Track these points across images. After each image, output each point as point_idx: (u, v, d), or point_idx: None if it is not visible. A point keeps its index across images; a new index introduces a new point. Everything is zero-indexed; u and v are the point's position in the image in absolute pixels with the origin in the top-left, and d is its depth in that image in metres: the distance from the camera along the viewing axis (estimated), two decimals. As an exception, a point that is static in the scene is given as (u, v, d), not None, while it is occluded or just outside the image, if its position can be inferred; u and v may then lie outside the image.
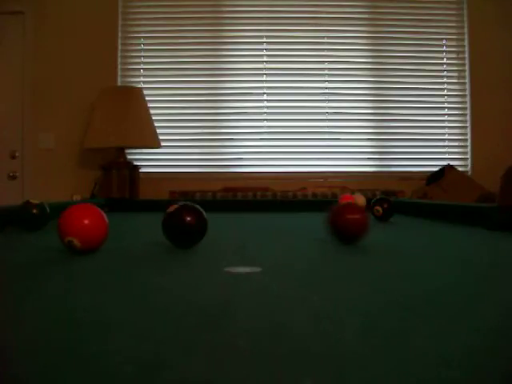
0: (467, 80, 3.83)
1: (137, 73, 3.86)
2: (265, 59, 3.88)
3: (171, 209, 0.80)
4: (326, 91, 3.87)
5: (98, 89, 3.46)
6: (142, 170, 3.60)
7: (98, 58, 3.74)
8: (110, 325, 0.40)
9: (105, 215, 0.81)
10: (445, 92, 3.88)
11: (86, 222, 0.76)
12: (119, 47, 3.81)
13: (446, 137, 3.88)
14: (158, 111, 3.68)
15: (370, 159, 3.88)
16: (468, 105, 3.84)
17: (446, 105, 3.88)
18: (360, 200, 1.90)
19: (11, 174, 3.76)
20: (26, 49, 3.74)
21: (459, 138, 3.86)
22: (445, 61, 3.89)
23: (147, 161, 3.77)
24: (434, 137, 3.87)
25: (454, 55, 3.88)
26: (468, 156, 3.85)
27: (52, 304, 0.47)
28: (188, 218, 0.79)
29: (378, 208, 1.52)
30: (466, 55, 3.84)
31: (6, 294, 0.53)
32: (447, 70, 3.89)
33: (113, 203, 2.27)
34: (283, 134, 3.84)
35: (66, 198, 3.27)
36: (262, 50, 3.89)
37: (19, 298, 0.50)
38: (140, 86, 3.70)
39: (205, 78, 3.86)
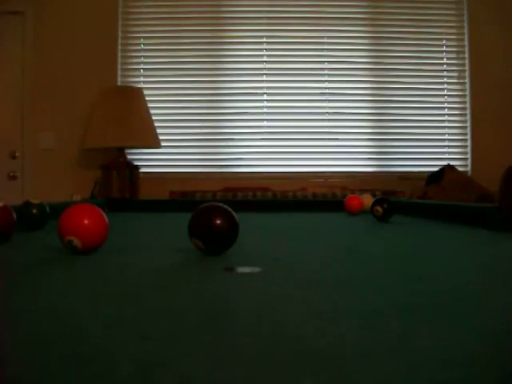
0: (467, 80, 3.83)
1: (137, 73, 3.86)
2: (265, 59, 3.88)
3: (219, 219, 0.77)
4: (326, 91, 3.87)
5: (98, 89, 3.46)
6: (142, 170, 3.60)
7: (98, 58, 3.74)
8: (111, 325, 0.40)
9: (105, 215, 0.81)
10: (445, 92, 3.88)
11: (86, 221, 0.76)
12: (119, 47, 3.81)
13: (446, 137, 3.88)
14: (158, 111, 3.68)
15: (370, 159, 3.88)
16: (468, 105, 3.84)
17: (445, 105, 3.88)
18: (367, 200, 1.92)
19: (11, 174, 3.76)
20: (25, 49, 3.75)
21: (459, 138, 3.87)
22: (445, 61, 3.89)
23: (147, 161, 3.77)
24: (434, 137, 3.87)
25: (454, 55, 3.88)
26: (468, 156, 3.85)
27: (52, 304, 0.47)
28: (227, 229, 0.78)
29: (378, 208, 1.52)
30: (466, 55, 3.84)
31: (6, 294, 0.53)
32: (447, 70, 3.89)
33: (113, 203, 2.27)
34: (283, 134, 3.84)
35: (66, 198, 3.27)
36: (262, 50, 3.89)
37: (19, 297, 0.50)
38: (140, 85, 3.70)
39: (205, 77, 3.86)
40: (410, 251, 0.90)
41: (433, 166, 3.65)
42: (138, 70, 3.86)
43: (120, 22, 3.81)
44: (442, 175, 3.42)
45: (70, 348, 0.33)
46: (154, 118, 3.49)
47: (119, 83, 3.79)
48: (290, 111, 3.85)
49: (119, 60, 3.81)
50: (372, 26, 3.88)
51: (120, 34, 3.82)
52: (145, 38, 3.87)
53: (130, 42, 3.86)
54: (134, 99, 3.37)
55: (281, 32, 3.87)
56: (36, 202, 1.21)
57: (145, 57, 3.88)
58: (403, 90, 3.86)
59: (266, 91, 3.87)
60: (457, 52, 3.88)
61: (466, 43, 3.84)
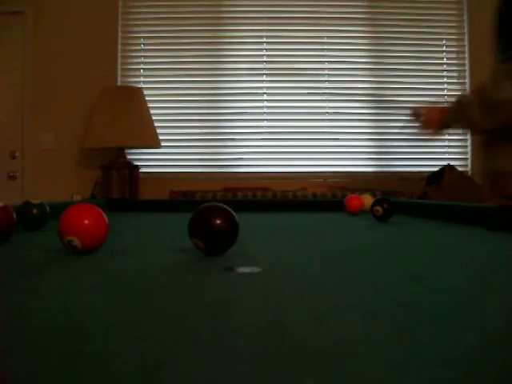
0: (467, 80, 3.83)
1: (137, 73, 3.86)
2: (265, 59, 3.88)
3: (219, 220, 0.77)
4: (326, 91, 3.87)
5: (98, 89, 3.46)
6: (142, 170, 3.60)
7: (98, 58, 3.74)
8: (111, 325, 0.40)
9: (105, 215, 0.81)
10: (445, 92, 3.88)
11: (86, 221, 0.76)
12: (119, 47, 3.81)
13: (446, 137, 3.87)
14: (158, 111, 3.68)
15: (370, 159, 3.88)
16: (468, 105, 3.83)
17: (446, 105, 3.87)
18: (367, 200, 1.93)
19: (11, 174, 3.76)
20: (25, 49, 3.74)
21: (459, 137, 3.86)
22: (445, 61, 3.89)
23: (147, 161, 3.77)
24: (434, 137, 3.86)
25: (453, 55, 3.88)
26: (468, 156, 3.85)
27: (52, 304, 0.47)
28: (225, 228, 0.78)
29: (378, 208, 1.52)
30: (466, 55, 3.84)
31: (6, 294, 0.53)
32: (447, 70, 3.89)
33: (113, 203, 2.27)
34: (283, 134, 3.84)
35: (66, 198, 3.27)
36: (262, 50, 3.89)
37: (19, 297, 0.50)
38: (140, 85, 3.70)
39: (205, 77, 3.86)
40: (410, 251, 0.90)
41: (433, 166, 3.65)
42: (138, 69, 3.86)
43: (120, 22, 3.81)
44: (442, 175, 3.42)
45: (70, 348, 0.33)
46: (154, 117, 3.49)
47: (119, 83, 3.79)
48: (290, 111, 3.84)
49: (119, 60, 3.81)
50: (372, 26, 3.88)
51: (120, 33, 3.82)
52: (145, 38, 3.87)
53: (130, 41, 3.86)
54: (134, 99, 3.37)
55: (281, 32, 3.87)
56: (36, 202, 1.21)
57: (145, 57, 3.88)
58: (403, 89, 3.85)
59: (265, 91, 3.87)
60: (457, 52, 3.88)
61: (466, 43, 3.84)
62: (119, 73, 3.81)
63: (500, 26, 1.84)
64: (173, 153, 3.80)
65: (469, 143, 3.83)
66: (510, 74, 1.69)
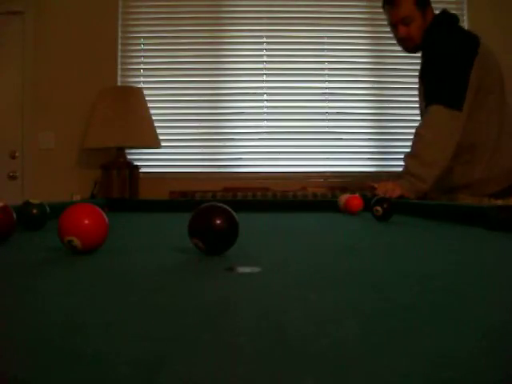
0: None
1: (137, 73, 3.86)
2: (265, 59, 3.88)
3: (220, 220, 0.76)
4: (326, 91, 3.87)
5: (98, 89, 3.46)
6: (142, 169, 3.60)
7: (98, 58, 3.74)
8: (110, 325, 0.40)
9: (105, 215, 0.81)
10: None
11: (86, 221, 0.76)
12: (119, 47, 3.81)
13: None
14: (158, 111, 3.68)
15: (370, 159, 3.88)
16: (468, 105, 3.83)
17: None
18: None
19: (11, 174, 3.76)
20: (25, 49, 3.75)
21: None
22: (445, 61, 3.88)
23: (147, 161, 3.77)
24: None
25: (454, 55, 3.87)
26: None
27: (52, 304, 0.47)
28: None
29: (378, 208, 1.52)
30: (466, 55, 3.83)
31: (6, 294, 0.53)
32: (447, 70, 3.88)
33: (113, 203, 2.27)
34: (283, 134, 3.84)
35: (66, 198, 3.27)
36: (261, 50, 3.89)
37: (19, 298, 0.50)
38: (140, 85, 3.70)
39: (205, 77, 3.86)
40: (410, 251, 0.90)
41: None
42: (138, 69, 3.86)
43: (120, 22, 3.81)
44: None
45: (70, 348, 0.33)
46: (154, 118, 3.49)
47: (119, 83, 3.79)
48: (290, 111, 3.84)
49: (119, 60, 3.81)
50: (372, 26, 3.88)
51: (120, 34, 3.82)
52: (145, 38, 3.87)
53: (130, 41, 3.86)
54: (133, 99, 3.37)
55: (281, 32, 3.87)
56: (36, 202, 1.21)
57: (145, 57, 3.88)
58: (403, 89, 3.85)
59: (265, 91, 3.87)
60: (457, 52, 3.87)
61: (466, 43, 3.83)
62: (119, 73, 3.81)
63: (422, 80, 2.31)
64: (173, 153, 3.80)
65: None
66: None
